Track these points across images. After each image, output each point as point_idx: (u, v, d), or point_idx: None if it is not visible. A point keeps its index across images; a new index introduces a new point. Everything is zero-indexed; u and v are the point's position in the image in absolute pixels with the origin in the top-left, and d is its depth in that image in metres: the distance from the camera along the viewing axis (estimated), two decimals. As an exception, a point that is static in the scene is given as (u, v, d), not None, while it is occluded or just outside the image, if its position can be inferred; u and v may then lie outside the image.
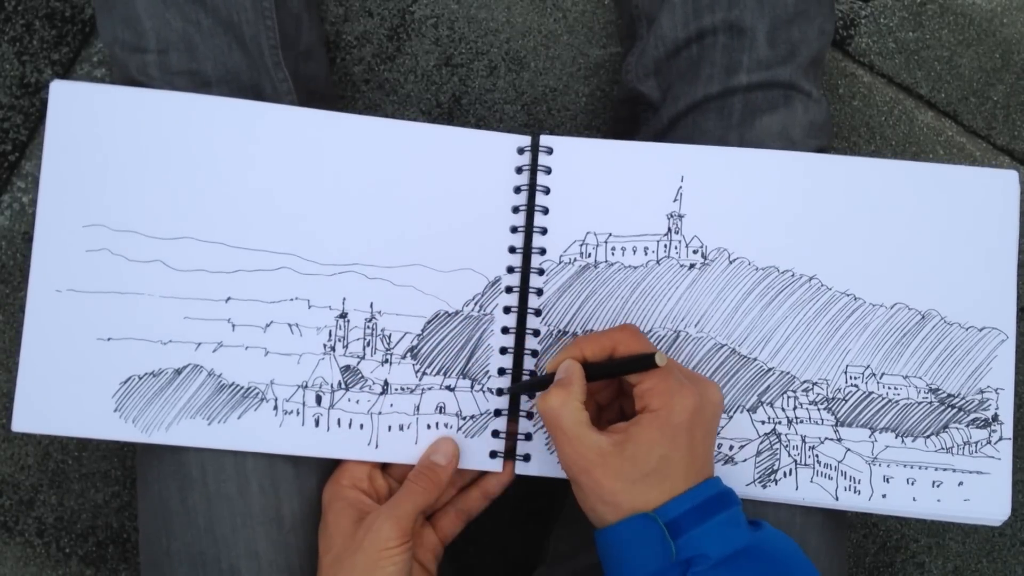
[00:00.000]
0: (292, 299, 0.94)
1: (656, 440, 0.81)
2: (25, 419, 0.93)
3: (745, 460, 0.94)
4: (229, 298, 0.94)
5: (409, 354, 0.96)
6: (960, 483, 0.96)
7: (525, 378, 0.97)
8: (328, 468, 0.96)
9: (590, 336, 0.90)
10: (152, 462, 0.96)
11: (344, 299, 0.95)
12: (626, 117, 1.18)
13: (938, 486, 0.96)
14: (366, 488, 0.94)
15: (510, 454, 0.97)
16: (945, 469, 0.96)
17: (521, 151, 0.97)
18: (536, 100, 1.37)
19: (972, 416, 0.97)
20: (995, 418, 0.97)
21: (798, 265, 0.96)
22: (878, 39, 1.37)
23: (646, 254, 0.96)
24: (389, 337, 0.96)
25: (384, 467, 0.97)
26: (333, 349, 0.95)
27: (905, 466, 0.95)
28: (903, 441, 0.96)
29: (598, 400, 0.92)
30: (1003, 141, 1.38)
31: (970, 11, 1.36)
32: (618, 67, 1.37)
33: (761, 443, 0.96)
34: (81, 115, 0.94)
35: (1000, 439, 0.97)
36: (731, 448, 0.96)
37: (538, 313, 0.97)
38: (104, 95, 0.94)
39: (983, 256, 0.97)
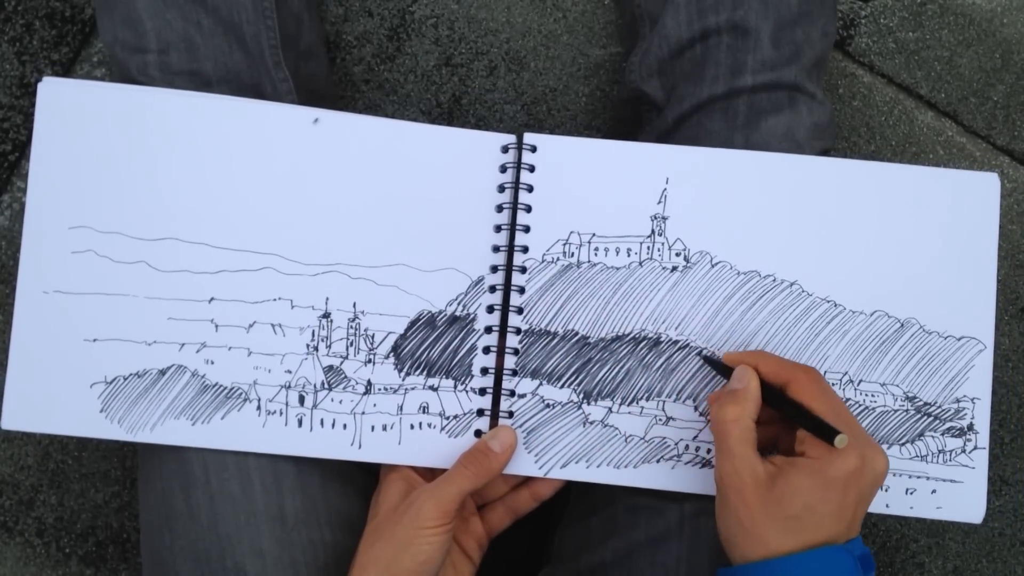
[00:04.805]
0: (275, 299, 0.94)
1: (806, 488, 0.80)
2: (14, 417, 0.94)
3: None
4: (212, 299, 0.94)
5: (392, 354, 0.96)
6: (933, 491, 0.96)
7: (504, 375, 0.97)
8: (329, 465, 0.97)
9: (772, 357, 0.90)
10: (154, 460, 0.96)
11: (327, 299, 0.95)
12: (628, 117, 1.18)
13: (911, 493, 0.96)
14: None
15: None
16: (919, 477, 0.96)
17: (505, 149, 0.96)
18: (536, 100, 1.37)
19: (947, 425, 0.96)
20: (970, 427, 0.96)
21: (780, 270, 0.96)
22: (878, 39, 1.37)
23: (629, 255, 0.96)
24: (372, 337, 0.96)
25: None
26: (316, 349, 0.95)
27: None
28: None
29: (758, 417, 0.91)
30: (1003, 141, 1.37)
31: (970, 11, 1.35)
32: (618, 67, 1.36)
33: None
34: (70, 114, 0.94)
35: (975, 448, 0.96)
36: (708, 451, 0.96)
37: (520, 311, 0.97)
38: (93, 92, 0.95)
39: (963, 263, 0.96)
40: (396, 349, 0.96)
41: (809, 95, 1.02)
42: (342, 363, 0.95)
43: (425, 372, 0.96)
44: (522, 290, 0.96)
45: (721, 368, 0.93)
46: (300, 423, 0.95)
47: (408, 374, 0.96)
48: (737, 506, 0.82)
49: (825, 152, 1.03)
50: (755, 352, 0.93)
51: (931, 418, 0.96)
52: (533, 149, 0.96)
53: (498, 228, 0.97)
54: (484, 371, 0.97)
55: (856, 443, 0.81)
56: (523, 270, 0.96)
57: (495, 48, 1.36)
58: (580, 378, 0.97)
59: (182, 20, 0.98)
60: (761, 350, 0.95)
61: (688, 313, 0.96)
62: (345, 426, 0.95)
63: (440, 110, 1.37)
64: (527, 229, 0.96)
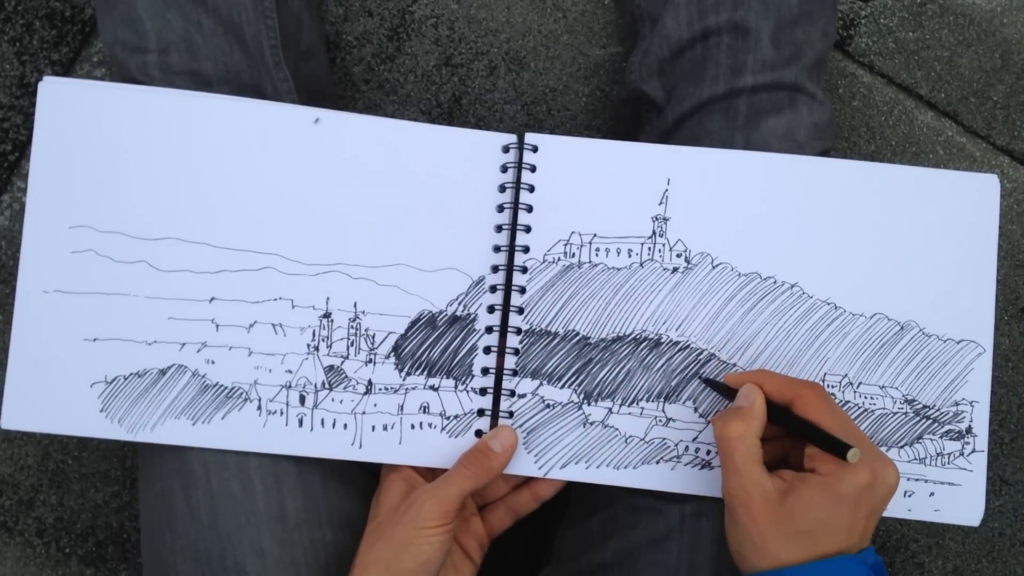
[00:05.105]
0: (276, 299, 0.94)
1: (818, 503, 0.81)
2: (14, 417, 0.94)
3: None
4: (213, 298, 0.94)
5: (393, 354, 0.96)
6: (931, 493, 0.96)
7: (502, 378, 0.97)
8: (330, 464, 0.97)
9: (774, 375, 0.90)
10: (154, 460, 0.96)
11: (328, 299, 0.95)
12: (628, 117, 1.18)
13: (909, 496, 0.96)
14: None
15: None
16: (917, 479, 0.96)
17: (506, 149, 0.96)
18: (536, 100, 1.37)
19: (946, 428, 0.96)
20: (969, 430, 0.96)
21: (780, 272, 0.96)
22: (878, 39, 1.37)
23: (630, 256, 0.96)
24: (373, 337, 0.95)
25: None
26: (317, 349, 0.95)
27: None
28: None
29: (764, 434, 0.90)
30: (1003, 141, 1.37)
31: (970, 11, 1.35)
32: (618, 67, 1.36)
33: None
34: (70, 114, 0.94)
35: (973, 451, 0.96)
36: (708, 453, 0.96)
37: (520, 311, 0.96)
38: (93, 92, 0.95)
39: (963, 266, 0.96)
40: (397, 349, 0.96)
41: (809, 95, 1.01)
42: (343, 363, 0.95)
43: (426, 372, 0.96)
44: (523, 290, 0.96)
45: (724, 390, 0.93)
46: (301, 423, 0.94)
47: (409, 374, 0.96)
48: (746, 522, 0.82)
49: (825, 152, 1.02)
50: (758, 371, 0.93)
51: (930, 421, 0.96)
52: (534, 149, 0.96)
53: (499, 228, 0.96)
54: (485, 371, 0.96)
55: (867, 458, 0.82)
56: (524, 270, 0.96)
57: (495, 48, 1.36)
58: (580, 378, 0.97)
59: (182, 20, 0.98)
60: (763, 369, 0.95)
61: (689, 314, 0.96)
62: (346, 426, 0.95)
63: (440, 110, 1.37)
64: (528, 229, 0.96)
